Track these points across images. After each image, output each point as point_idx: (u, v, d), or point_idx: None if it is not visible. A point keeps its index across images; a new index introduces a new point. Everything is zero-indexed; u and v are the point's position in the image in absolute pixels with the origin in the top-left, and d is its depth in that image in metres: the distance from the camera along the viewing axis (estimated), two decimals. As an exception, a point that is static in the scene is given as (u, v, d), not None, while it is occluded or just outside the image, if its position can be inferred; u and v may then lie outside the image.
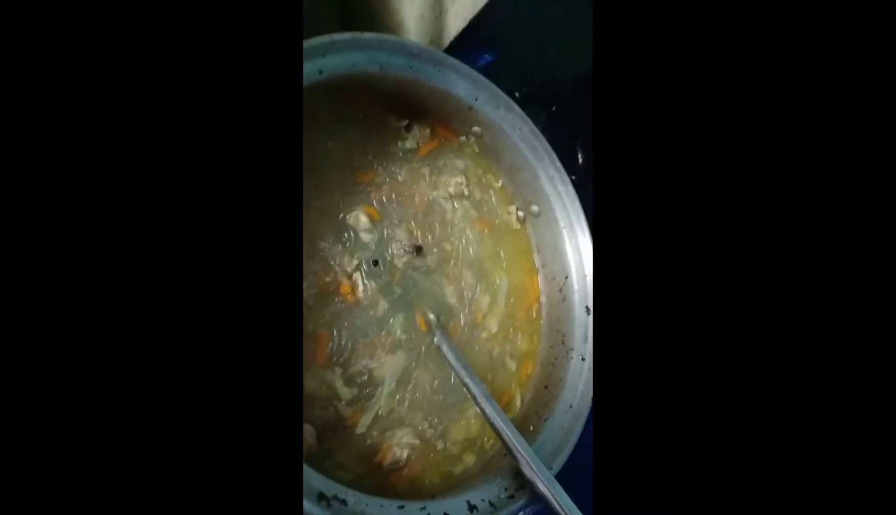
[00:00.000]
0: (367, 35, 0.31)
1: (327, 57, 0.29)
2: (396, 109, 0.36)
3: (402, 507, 0.24)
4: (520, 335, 0.37)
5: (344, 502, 0.22)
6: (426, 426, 0.31)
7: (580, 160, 0.44)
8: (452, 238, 0.37)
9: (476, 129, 0.38)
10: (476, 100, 0.36)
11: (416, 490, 0.29)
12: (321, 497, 0.22)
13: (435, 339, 0.33)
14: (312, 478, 0.22)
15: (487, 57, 0.46)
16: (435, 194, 0.37)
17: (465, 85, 0.35)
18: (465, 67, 0.35)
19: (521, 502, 0.28)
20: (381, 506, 0.24)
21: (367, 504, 0.23)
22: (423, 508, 0.25)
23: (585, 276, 0.38)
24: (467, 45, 0.43)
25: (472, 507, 0.27)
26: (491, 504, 0.27)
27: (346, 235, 0.32)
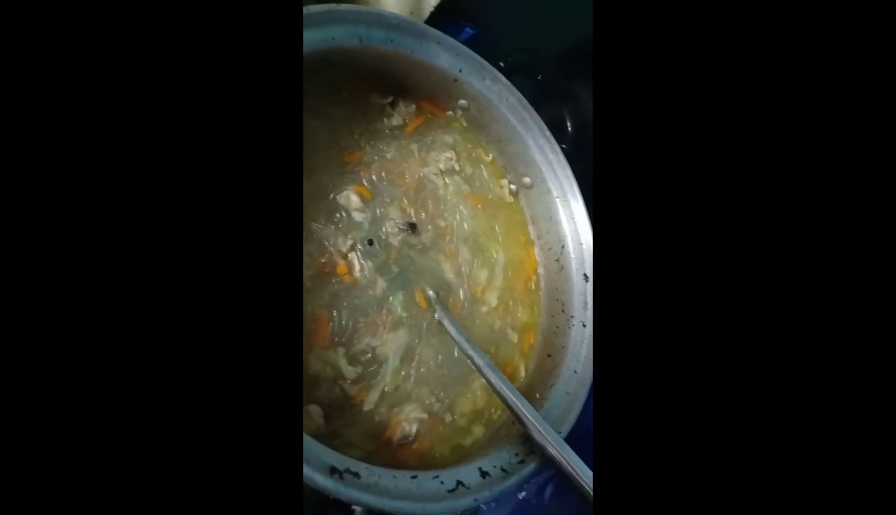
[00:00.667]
0: (345, 7, 0.30)
1: (305, 31, 0.28)
2: (380, 86, 0.35)
3: (415, 477, 0.24)
4: (520, 307, 0.37)
5: (357, 475, 0.22)
6: (433, 400, 0.31)
7: (569, 128, 0.44)
8: (446, 214, 0.37)
9: (462, 102, 0.37)
10: (460, 71, 0.36)
11: (427, 465, 0.29)
12: (333, 471, 0.22)
13: (436, 315, 0.33)
14: (323, 453, 0.22)
15: (469, 30, 0.46)
16: (425, 170, 0.37)
17: (449, 57, 0.35)
18: (448, 38, 0.35)
19: (531, 466, 0.28)
20: (394, 477, 0.24)
21: (379, 476, 0.23)
22: (436, 477, 0.25)
23: (581, 244, 0.38)
24: (447, 19, 0.42)
25: (484, 473, 0.27)
26: (503, 470, 0.27)
27: (338, 215, 0.32)
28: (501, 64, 0.41)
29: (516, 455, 0.28)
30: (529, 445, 0.29)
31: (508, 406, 0.29)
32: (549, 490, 0.36)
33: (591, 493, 0.25)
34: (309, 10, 0.29)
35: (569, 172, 0.38)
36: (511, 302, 0.37)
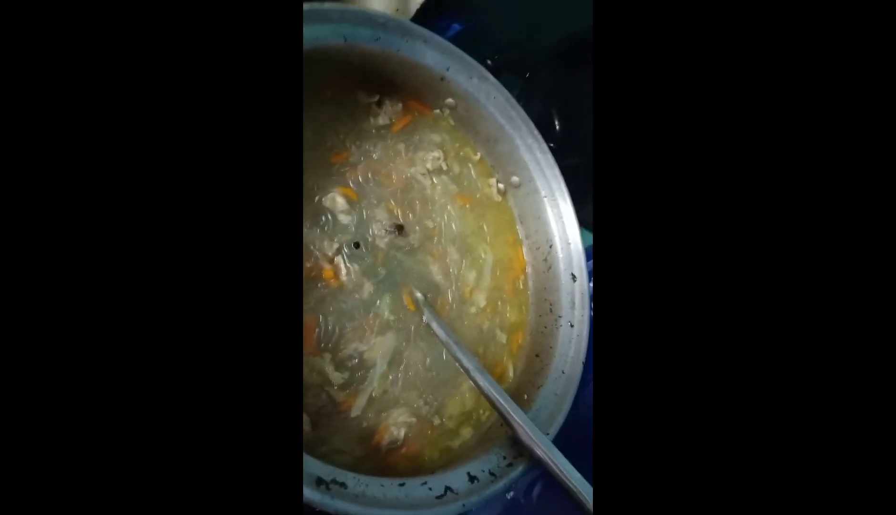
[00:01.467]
0: (328, 5, 0.29)
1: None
2: (365, 84, 0.35)
3: (402, 484, 0.24)
4: (508, 307, 0.37)
5: (343, 485, 0.22)
6: (421, 403, 0.31)
7: (557, 127, 0.44)
8: (434, 215, 0.36)
9: (450, 100, 0.37)
10: (447, 70, 0.35)
11: (417, 468, 0.29)
12: (319, 482, 0.22)
13: (424, 317, 0.32)
14: (309, 464, 0.22)
15: (456, 27, 0.45)
16: (412, 170, 0.36)
17: (435, 55, 0.34)
18: (434, 36, 0.34)
19: (520, 469, 0.28)
20: (382, 486, 0.24)
21: (367, 485, 0.23)
22: (425, 483, 0.25)
23: (569, 243, 0.38)
24: (434, 15, 0.41)
25: (472, 478, 0.27)
26: (491, 474, 0.27)
27: (323, 218, 0.31)
28: (489, 62, 0.40)
29: (504, 458, 0.28)
30: (518, 447, 0.29)
31: (497, 410, 0.29)
32: (537, 489, 0.36)
33: (580, 495, 0.25)
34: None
35: (557, 171, 0.38)
36: (499, 303, 0.37)
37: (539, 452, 0.27)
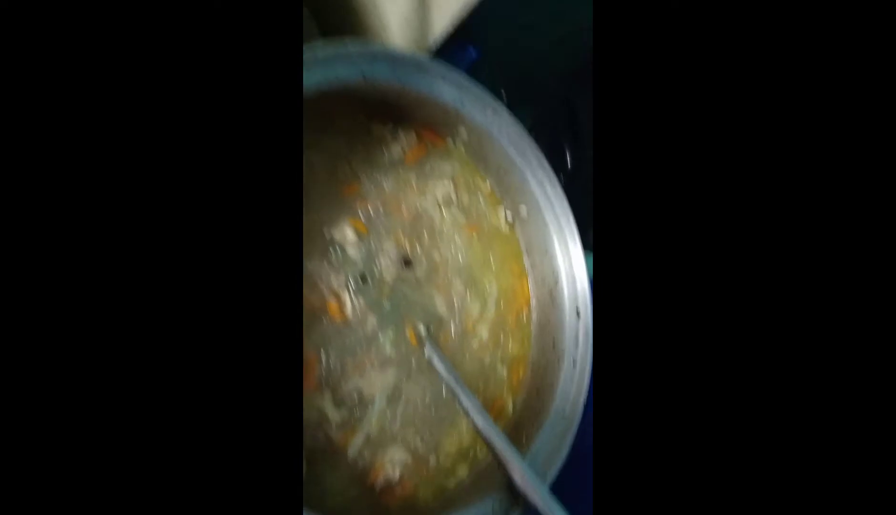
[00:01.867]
0: (351, 46, 0.29)
1: (310, 71, 0.28)
2: (380, 117, 0.35)
3: (394, 534, 0.24)
4: (510, 340, 0.37)
5: (335, 536, 0.22)
6: (418, 441, 0.31)
7: (569, 161, 0.44)
8: (441, 247, 0.36)
9: (463, 132, 0.37)
10: (462, 104, 0.35)
11: (410, 509, 0.29)
12: (312, 535, 0.22)
13: (425, 352, 0.32)
14: (303, 514, 0.22)
15: (473, 54, 0.45)
16: (422, 201, 0.36)
17: (451, 90, 0.34)
18: (451, 73, 0.34)
19: (515, 515, 0.28)
20: (374, 536, 0.24)
21: (358, 535, 0.23)
22: (417, 533, 0.25)
23: (575, 279, 0.37)
24: (452, 43, 0.41)
25: (466, 527, 0.27)
26: (486, 522, 0.27)
27: (332, 251, 0.31)
28: (502, 91, 0.40)
29: (500, 502, 0.28)
30: (514, 493, 0.28)
31: (494, 453, 0.28)
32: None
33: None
34: (315, 52, 0.28)
35: (566, 205, 0.38)
36: (502, 335, 0.37)
37: (536, 500, 0.27)
